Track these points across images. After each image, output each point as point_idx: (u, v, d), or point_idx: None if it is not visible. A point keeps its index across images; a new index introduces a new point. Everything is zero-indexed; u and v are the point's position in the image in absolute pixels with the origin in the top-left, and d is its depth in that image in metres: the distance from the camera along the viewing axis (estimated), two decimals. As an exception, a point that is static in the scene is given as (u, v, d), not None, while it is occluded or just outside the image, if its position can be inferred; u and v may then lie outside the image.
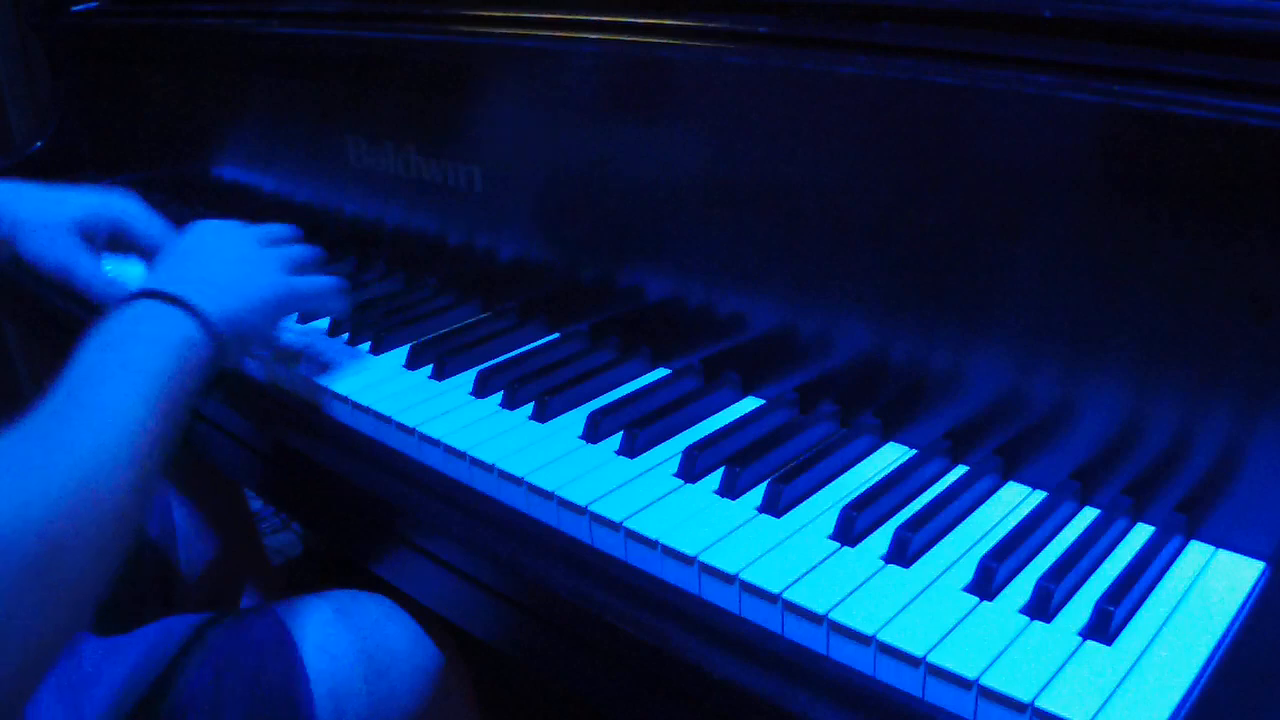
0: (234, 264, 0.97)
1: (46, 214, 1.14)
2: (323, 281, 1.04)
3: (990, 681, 0.62)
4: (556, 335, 1.12)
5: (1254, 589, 0.70)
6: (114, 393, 0.75)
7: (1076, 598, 0.69)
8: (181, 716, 0.88)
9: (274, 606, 0.99)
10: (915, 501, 0.80)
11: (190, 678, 0.90)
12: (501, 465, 0.87)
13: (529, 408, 0.96)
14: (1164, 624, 0.66)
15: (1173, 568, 0.72)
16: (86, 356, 0.79)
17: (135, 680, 0.90)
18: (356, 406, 1.00)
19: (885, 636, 0.66)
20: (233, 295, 0.92)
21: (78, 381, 0.76)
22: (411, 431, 0.94)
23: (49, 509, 0.63)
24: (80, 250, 1.12)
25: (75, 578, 0.64)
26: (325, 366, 1.07)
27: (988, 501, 0.80)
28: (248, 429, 1.09)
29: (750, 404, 0.96)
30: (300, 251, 1.05)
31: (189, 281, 0.90)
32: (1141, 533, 0.75)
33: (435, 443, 0.92)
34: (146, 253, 1.14)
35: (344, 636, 0.96)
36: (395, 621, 0.99)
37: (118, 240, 1.16)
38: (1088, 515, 0.78)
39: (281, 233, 1.10)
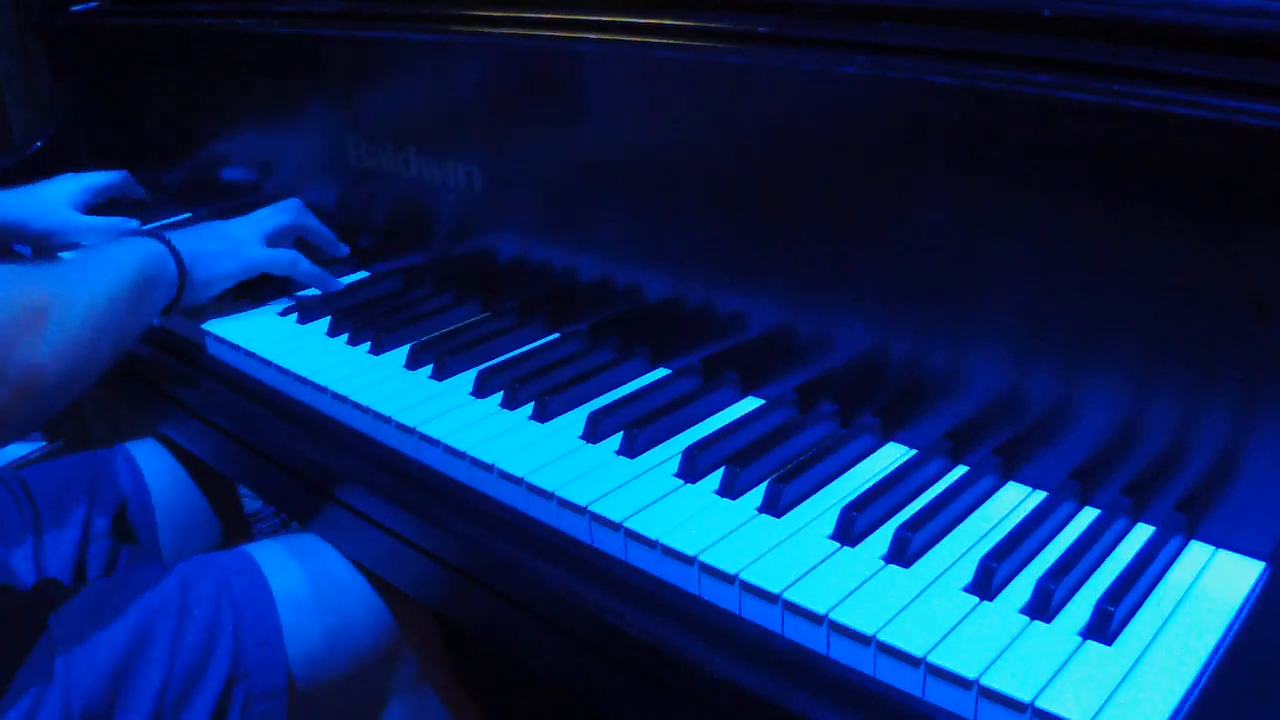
0: (219, 226, 1.25)
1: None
2: (280, 253, 1.25)
3: (990, 681, 0.62)
4: (556, 335, 1.12)
5: (1254, 589, 0.70)
6: (94, 262, 1.03)
7: (1076, 598, 0.69)
8: (149, 617, 0.93)
9: (239, 546, 1.05)
10: (915, 502, 0.80)
11: (158, 583, 0.97)
12: (501, 465, 0.87)
13: (529, 408, 0.96)
14: (1164, 624, 0.67)
15: (1173, 568, 0.72)
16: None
17: (104, 594, 0.96)
18: (356, 406, 1.00)
19: (885, 636, 0.66)
20: (203, 240, 1.19)
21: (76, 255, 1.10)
22: (411, 431, 0.94)
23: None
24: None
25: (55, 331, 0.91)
26: (325, 367, 1.07)
27: (988, 502, 0.80)
28: (245, 428, 1.09)
29: (750, 404, 0.96)
30: (276, 219, 1.28)
31: (187, 236, 1.17)
32: (1141, 533, 0.75)
33: (435, 443, 0.92)
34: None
35: (298, 566, 1.02)
36: (345, 566, 1.04)
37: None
38: (1088, 515, 0.78)
39: (284, 215, 1.30)
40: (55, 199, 1.48)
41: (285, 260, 1.23)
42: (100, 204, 1.55)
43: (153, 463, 1.29)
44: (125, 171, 1.59)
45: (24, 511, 1.17)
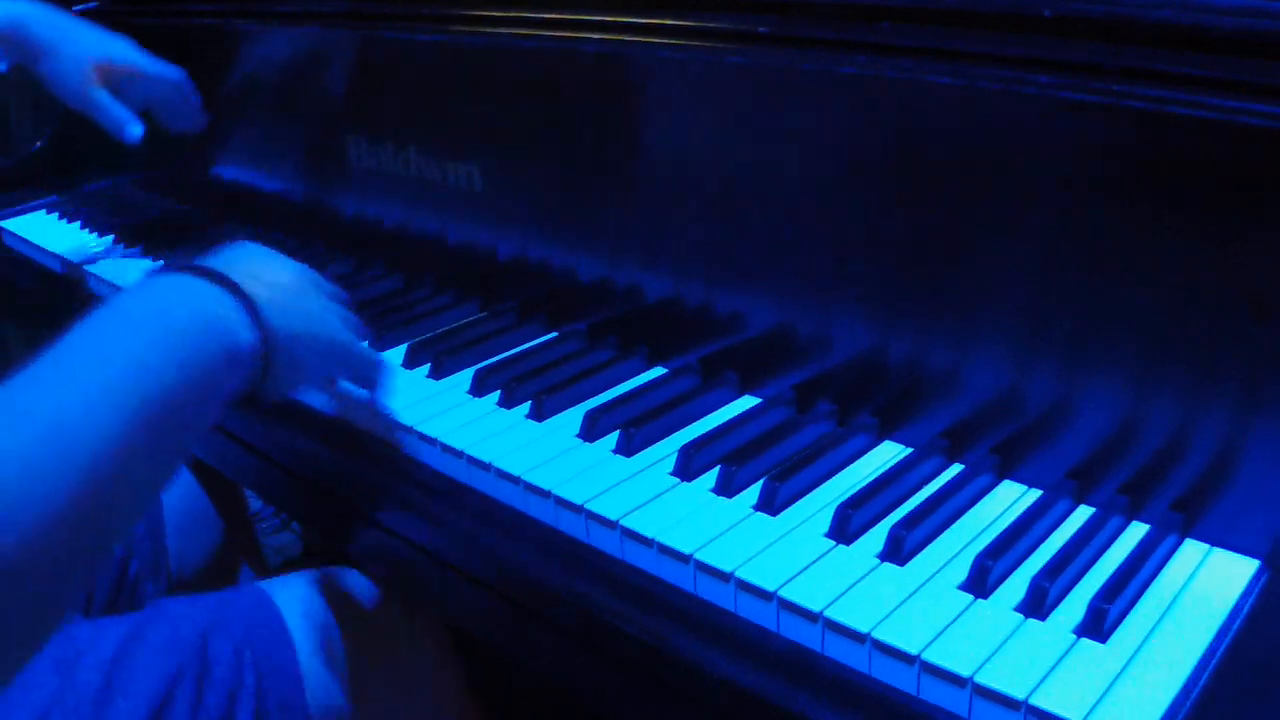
0: (298, 290, 0.86)
1: (73, 46, 1.31)
2: (377, 356, 0.96)
3: (985, 679, 0.62)
4: (554, 334, 1.12)
5: (1249, 587, 0.70)
6: (123, 345, 0.67)
7: (1071, 596, 0.69)
8: (170, 686, 0.88)
9: (258, 583, 1.01)
10: (911, 500, 0.80)
11: (180, 642, 0.91)
12: (499, 464, 0.87)
13: (526, 406, 0.96)
14: (1159, 622, 0.66)
15: (1168, 566, 0.72)
16: (102, 313, 0.69)
17: (125, 649, 0.90)
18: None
19: (880, 634, 0.66)
20: (293, 314, 0.83)
21: (85, 330, 0.67)
22: (409, 430, 0.94)
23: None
24: (101, 89, 1.30)
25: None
26: None
27: (983, 500, 0.80)
28: (245, 427, 1.09)
29: (747, 402, 0.96)
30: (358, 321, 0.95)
31: (246, 276, 0.80)
32: (1137, 531, 0.75)
33: (432, 441, 0.92)
34: (160, 100, 1.36)
35: (327, 608, 0.98)
36: (375, 596, 1.02)
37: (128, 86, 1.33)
38: (1083, 513, 0.78)
39: (341, 293, 0.97)
40: (82, 57, 1.31)
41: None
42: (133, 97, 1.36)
43: None
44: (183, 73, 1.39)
45: None
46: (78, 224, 1.59)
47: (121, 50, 1.34)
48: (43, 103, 1.90)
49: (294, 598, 0.99)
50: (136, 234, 1.50)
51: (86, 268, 1.41)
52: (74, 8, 1.71)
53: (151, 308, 0.72)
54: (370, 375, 0.95)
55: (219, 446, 1.13)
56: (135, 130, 1.32)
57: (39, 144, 1.83)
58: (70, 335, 0.65)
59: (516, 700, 1.22)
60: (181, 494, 1.28)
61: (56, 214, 1.66)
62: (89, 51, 1.31)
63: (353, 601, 1.01)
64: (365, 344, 0.94)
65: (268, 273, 0.83)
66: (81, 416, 0.60)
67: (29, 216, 1.67)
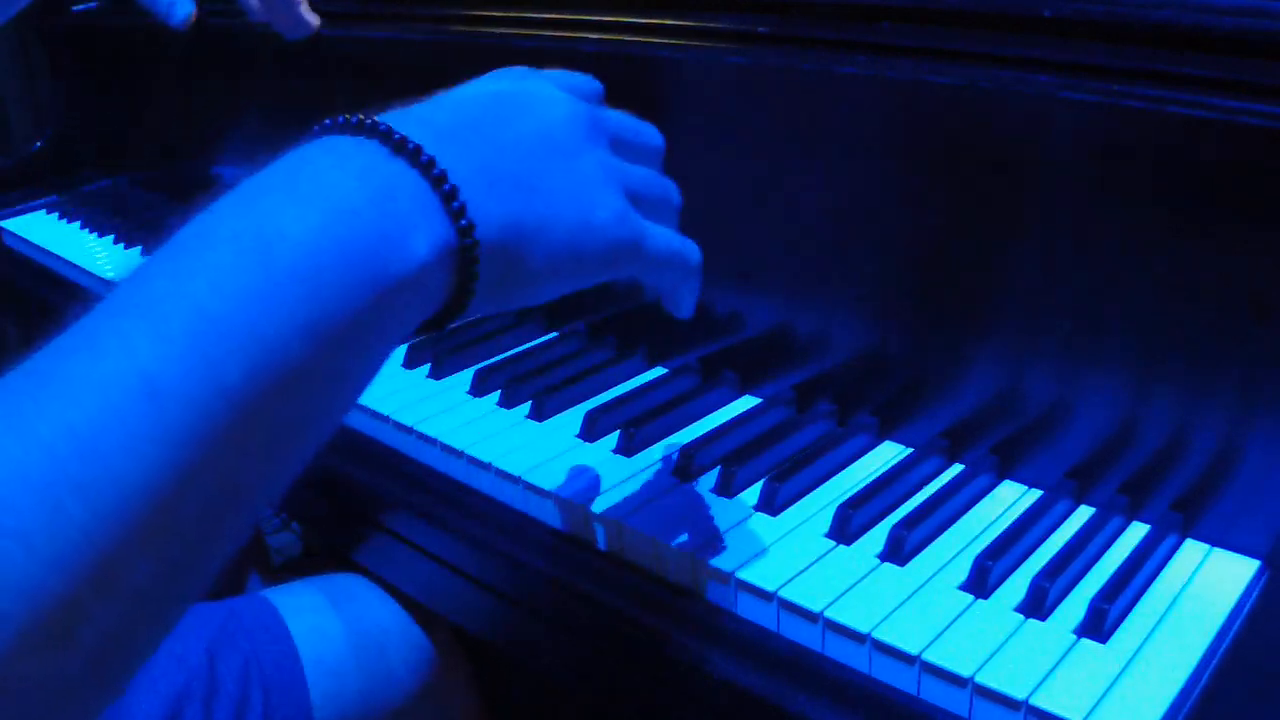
0: (547, 149, 0.57)
1: None
2: (686, 244, 0.65)
3: (985, 679, 0.62)
4: (554, 334, 1.12)
5: (1249, 587, 0.70)
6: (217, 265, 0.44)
7: (1071, 596, 0.69)
8: (177, 704, 0.87)
9: (265, 593, 0.99)
10: (911, 500, 0.80)
11: (188, 658, 0.89)
12: (498, 464, 0.87)
13: (526, 406, 0.96)
14: (1159, 622, 0.66)
15: (1168, 566, 0.72)
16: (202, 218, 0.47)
17: None
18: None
19: (880, 634, 0.66)
20: (525, 191, 0.55)
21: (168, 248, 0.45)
22: (409, 430, 0.94)
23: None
24: None
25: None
26: None
27: (983, 500, 0.80)
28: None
29: (747, 402, 0.96)
30: (664, 188, 0.67)
31: (446, 133, 0.54)
32: (1137, 531, 0.75)
33: (432, 441, 0.92)
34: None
35: (334, 619, 0.96)
36: (385, 604, 1.00)
37: None
38: (1083, 514, 0.78)
39: (628, 129, 0.68)
40: None
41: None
42: None
43: None
44: None
45: None
46: (78, 224, 1.59)
47: None
48: (43, 103, 1.91)
49: (300, 608, 0.98)
50: (136, 234, 1.50)
51: (86, 268, 1.40)
52: (73, 8, 1.72)
53: (269, 201, 0.48)
54: (669, 280, 0.65)
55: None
56: (184, 8, 1.18)
57: (39, 144, 1.83)
58: (151, 260, 0.45)
59: (521, 701, 1.22)
60: None
61: (56, 214, 1.66)
62: None
63: (358, 609, 1.00)
64: (663, 231, 0.63)
65: (503, 126, 0.57)
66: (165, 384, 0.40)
67: (29, 216, 1.68)
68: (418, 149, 0.50)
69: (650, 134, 0.69)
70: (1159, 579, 0.71)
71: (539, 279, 0.56)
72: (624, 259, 0.59)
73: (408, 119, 0.53)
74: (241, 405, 0.42)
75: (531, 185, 0.55)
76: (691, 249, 0.65)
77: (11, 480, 0.37)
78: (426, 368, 1.05)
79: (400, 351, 1.08)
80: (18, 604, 0.36)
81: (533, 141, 0.56)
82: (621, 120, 0.66)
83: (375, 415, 0.97)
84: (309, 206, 0.47)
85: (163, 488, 0.40)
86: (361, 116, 0.51)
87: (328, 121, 0.52)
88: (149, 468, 0.39)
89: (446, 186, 0.50)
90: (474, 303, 0.53)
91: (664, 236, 0.62)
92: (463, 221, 0.50)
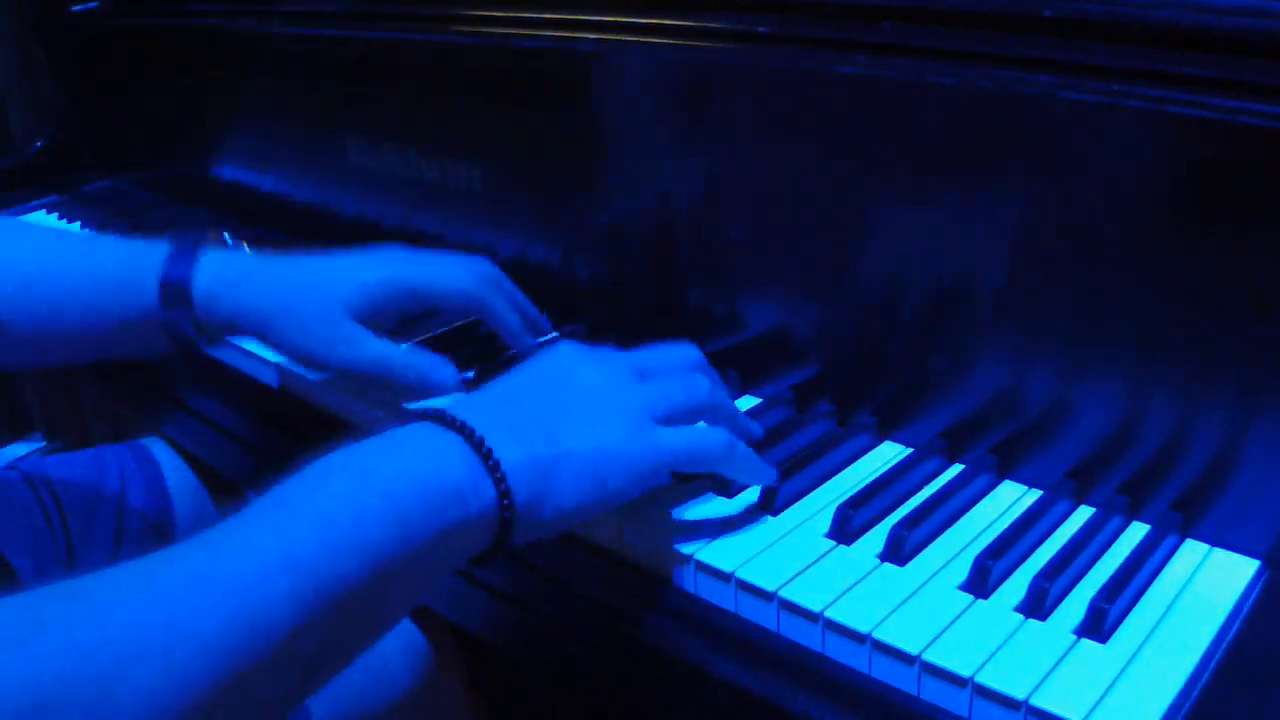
0: (570, 399, 0.71)
1: (308, 296, 0.90)
2: (705, 439, 0.73)
3: (985, 679, 0.62)
4: (554, 334, 1.12)
5: (1249, 587, 0.70)
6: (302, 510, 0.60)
7: (1071, 596, 0.69)
8: None
9: None
10: (911, 500, 0.80)
11: None
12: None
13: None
14: (1159, 622, 0.66)
15: (1168, 566, 0.72)
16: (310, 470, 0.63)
17: None
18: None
19: (880, 634, 0.66)
20: (547, 438, 0.68)
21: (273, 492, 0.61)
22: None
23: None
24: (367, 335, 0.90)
25: None
26: None
27: (983, 500, 0.80)
28: (250, 430, 1.09)
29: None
30: (686, 390, 0.75)
31: (488, 409, 0.69)
32: (1137, 531, 0.75)
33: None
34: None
35: None
36: None
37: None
38: (1083, 514, 0.78)
39: (669, 360, 0.79)
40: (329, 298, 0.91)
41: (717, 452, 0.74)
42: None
43: (167, 461, 1.24)
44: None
45: (53, 520, 1.11)
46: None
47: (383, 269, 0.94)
48: (43, 103, 1.91)
49: None
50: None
51: None
52: (73, 8, 1.72)
53: (353, 469, 0.63)
54: (725, 467, 0.75)
55: (227, 455, 1.13)
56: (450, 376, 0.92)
57: (39, 144, 1.83)
58: (262, 497, 0.60)
59: (518, 699, 1.22)
60: (192, 494, 1.26)
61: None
62: (331, 292, 0.91)
63: None
64: (686, 432, 0.73)
65: (541, 391, 0.72)
66: (258, 593, 0.54)
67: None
68: (482, 441, 0.66)
69: (679, 358, 0.80)
70: (1159, 579, 0.71)
71: (575, 500, 0.68)
72: (644, 469, 0.70)
73: (482, 413, 0.68)
74: (342, 588, 0.57)
75: (557, 450, 0.68)
76: (710, 441, 0.73)
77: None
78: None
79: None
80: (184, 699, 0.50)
81: (572, 417, 0.70)
82: (651, 357, 0.78)
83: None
84: (401, 477, 0.62)
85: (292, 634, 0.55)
86: (445, 412, 0.67)
87: (416, 408, 0.69)
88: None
89: (499, 475, 0.65)
90: (520, 515, 0.66)
91: (679, 437, 0.72)
92: (506, 502, 0.65)
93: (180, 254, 0.93)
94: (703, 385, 0.76)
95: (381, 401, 0.93)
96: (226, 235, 1.01)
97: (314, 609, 0.56)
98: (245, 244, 1.03)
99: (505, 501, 0.65)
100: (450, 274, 0.93)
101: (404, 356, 0.90)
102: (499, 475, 0.65)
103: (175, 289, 0.91)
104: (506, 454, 0.66)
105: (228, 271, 0.92)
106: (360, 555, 0.58)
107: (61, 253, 0.96)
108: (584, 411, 0.70)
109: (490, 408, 0.69)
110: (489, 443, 0.65)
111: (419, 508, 0.61)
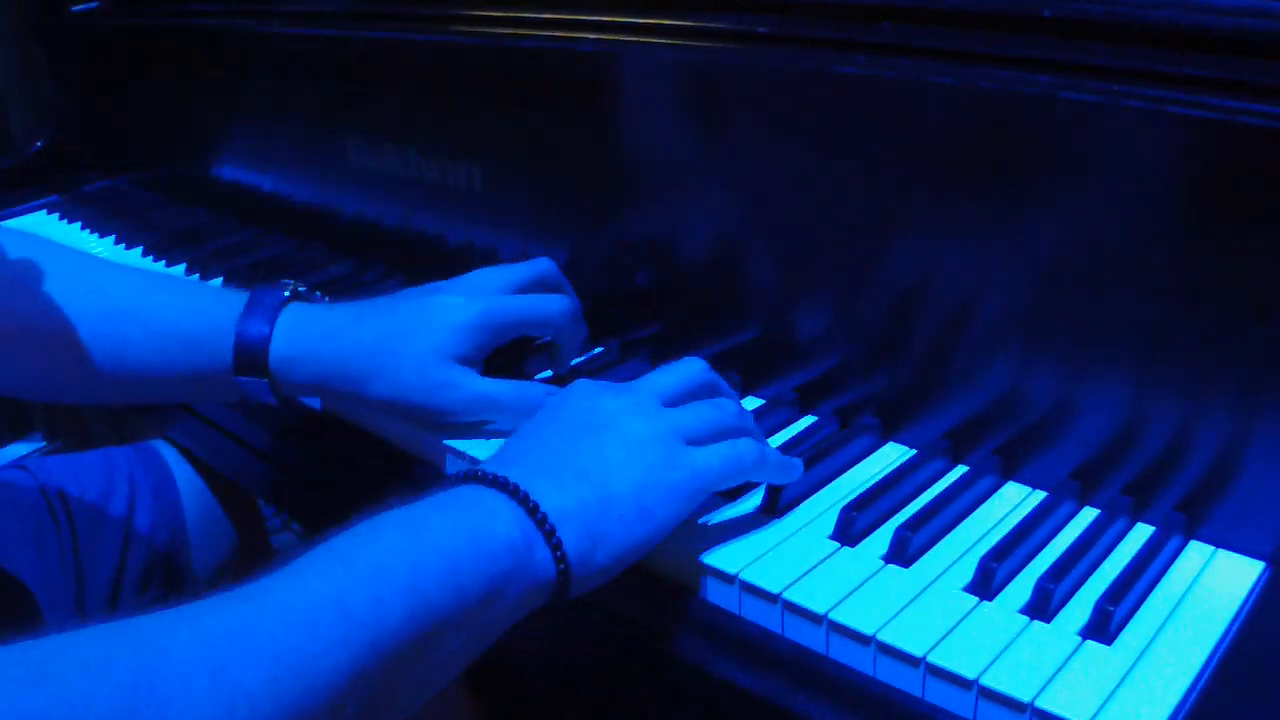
0: (603, 439, 0.72)
1: (399, 351, 0.87)
2: (734, 451, 0.75)
3: (990, 681, 0.62)
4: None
5: (1254, 589, 0.70)
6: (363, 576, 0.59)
7: (1076, 597, 0.69)
8: None
9: None
10: (915, 501, 0.80)
11: None
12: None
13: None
14: (1164, 624, 0.66)
15: (1172, 567, 0.72)
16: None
17: None
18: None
19: (885, 636, 0.66)
20: (590, 482, 0.69)
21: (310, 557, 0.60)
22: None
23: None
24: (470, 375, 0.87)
25: None
26: None
27: (987, 501, 0.80)
28: (263, 438, 1.09)
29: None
30: (716, 412, 0.77)
31: (527, 463, 0.70)
32: (1141, 532, 0.75)
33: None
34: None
35: None
36: None
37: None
38: (1087, 515, 0.78)
39: (687, 382, 0.80)
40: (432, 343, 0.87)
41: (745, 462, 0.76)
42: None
43: (176, 467, 1.23)
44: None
45: (60, 524, 1.10)
46: (78, 224, 1.59)
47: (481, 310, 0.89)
48: (43, 103, 1.90)
49: None
50: (137, 234, 1.50)
51: None
52: (73, 8, 1.72)
53: (404, 524, 0.63)
54: (748, 479, 0.78)
55: (242, 463, 1.13)
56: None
57: (39, 144, 1.83)
58: (314, 549, 0.60)
59: (520, 701, 1.22)
60: (199, 498, 1.26)
61: (57, 214, 1.66)
62: (427, 341, 0.87)
63: None
64: (719, 450, 0.74)
65: (581, 438, 0.72)
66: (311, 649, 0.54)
67: (29, 217, 1.67)
68: (527, 496, 0.67)
69: (690, 377, 0.80)
70: (1163, 580, 0.71)
71: (625, 545, 0.69)
72: (687, 493, 0.72)
73: (522, 467, 0.69)
74: (393, 641, 0.57)
75: (601, 492, 0.69)
76: (744, 453, 0.75)
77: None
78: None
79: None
80: None
81: (609, 457, 0.71)
82: (668, 381, 0.78)
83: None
84: (452, 531, 0.63)
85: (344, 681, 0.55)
86: (485, 472, 0.67)
87: (471, 471, 0.69)
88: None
89: (548, 528, 0.66)
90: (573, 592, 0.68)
91: (715, 455, 0.73)
92: (559, 554, 0.66)
93: (257, 312, 0.89)
94: (730, 407, 0.78)
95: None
96: (291, 284, 0.93)
97: (365, 661, 0.56)
98: (320, 293, 0.96)
99: (558, 554, 0.66)
100: (545, 309, 0.91)
101: (512, 391, 0.87)
102: (548, 529, 0.66)
103: (251, 352, 0.88)
104: (552, 505, 0.66)
105: (312, 328, 0.89)
106: (413, 608, 0.58)
107: (140, 295, 0.93)
108: (620, 448, 0.71)
109: (528, 460, 0.70)
110: (534, 497, 0.66)
111: (470, 561, 0.62)
